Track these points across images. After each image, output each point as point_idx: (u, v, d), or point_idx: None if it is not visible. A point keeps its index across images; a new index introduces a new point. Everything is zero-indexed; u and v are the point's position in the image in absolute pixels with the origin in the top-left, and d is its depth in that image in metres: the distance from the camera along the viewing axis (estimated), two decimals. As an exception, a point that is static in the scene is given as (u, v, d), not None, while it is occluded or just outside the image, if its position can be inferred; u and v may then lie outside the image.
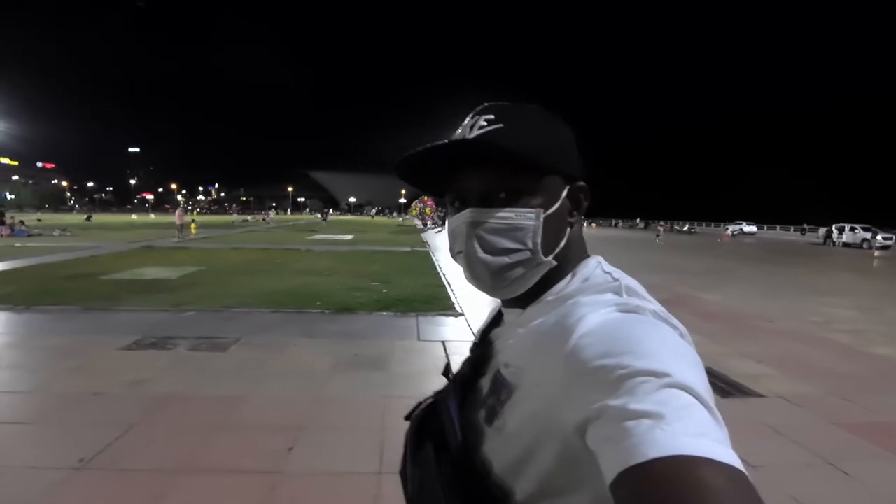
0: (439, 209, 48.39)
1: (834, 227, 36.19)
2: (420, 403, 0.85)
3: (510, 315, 0.77)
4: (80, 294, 8.90)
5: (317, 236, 30.60)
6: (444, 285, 10.84)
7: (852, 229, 34.48)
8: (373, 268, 13.91)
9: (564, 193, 0.71)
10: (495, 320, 0.83)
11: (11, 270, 12.07)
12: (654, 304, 0.63)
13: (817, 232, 42.54)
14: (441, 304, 8.64)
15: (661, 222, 63.06)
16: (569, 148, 0.73)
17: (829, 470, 3.46)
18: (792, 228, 61.22)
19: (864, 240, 33.06)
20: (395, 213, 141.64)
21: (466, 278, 0.73)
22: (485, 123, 0.69)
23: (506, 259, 0.68)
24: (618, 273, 0.70)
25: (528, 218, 0.67)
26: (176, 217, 27.43)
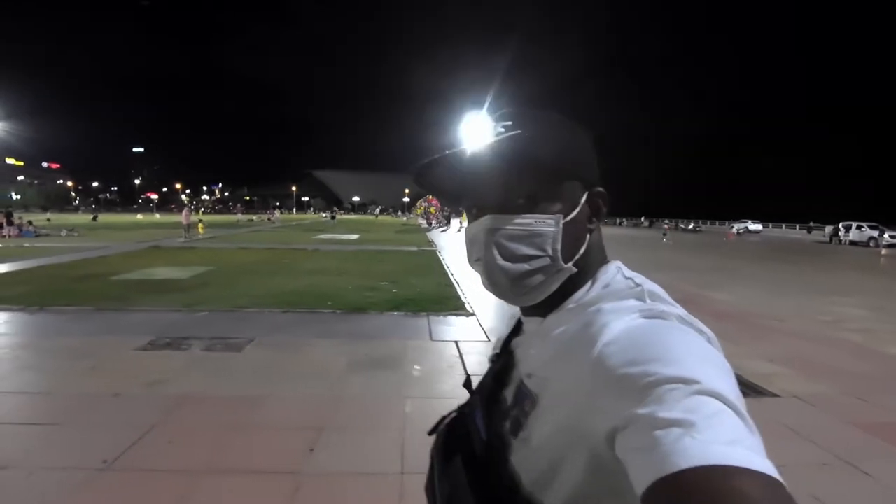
0: (444, 209, 48.36)
1: (841, 225, 36.02)
2: (444, 418, 0.85)
3: (530, 324, 0.76)
4: (92, 294, 8.96)
5: (323, 236, 30.67)
6: (453, 285, 10.86)
7: (859, 227, 34.30)
8: (381, 267, 13.93)
9: (584, 199, 0.70)
10: (515, 330, 0.82)
11: (23, 271, 12.14)
12: (678, 309, 0.62)
13: (823, 230, 42.37)
14: (451, 303, 8.66)
15: (666, 221, 62.95)
16: (587, 154, 0.73)
17: (849, 470, 3.46)
18: (797, 226, 60.96)
19: (871, 238, 32.87)
20: (398, 213, 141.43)
21: (485, 286, 0.73)
22: (503, 129, 0.69)
23: (525, 266, 0.67)
24: (639, 278, 0.69)
25: (547, 224, 0.67)
26: (182, 217, 27.49)
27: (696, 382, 0.47)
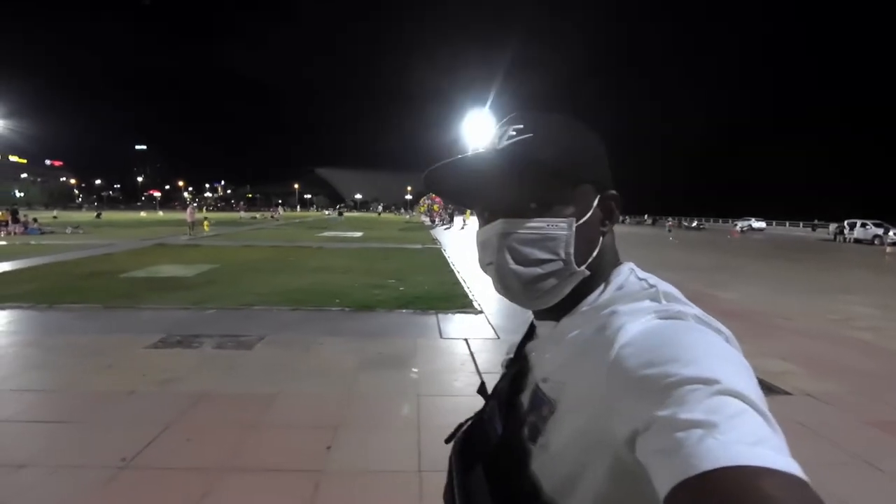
0: (447, 206, 48.33)
1: (846, 222, 35.94)
2: (461, 425, 0.84)
3: (544, 328, 0.76)
4: (100, 292, 8.98)
5: (327, 233, 30.72)
6: (459, 283, 10.86)
7: (863, 225, 34.22)
8: (387, 265, 13.94)
9: (596, 202, 0.70)
10: (528, 334, 0.82)
11: (30, 268, 12.17)
12: (695, 309, 0.61)
13: (828, 228, 42.27)
14: (459, 301, 8.66)
15: (670, 218, 62.80)
16: (599, 156, 0.72)
17: (866, 468, 3.46)
18: (801, 224, 60.84)
19: (876, 236, 32.80)
20: (401, 210, 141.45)
21: (497, 290, 0.72)
22: (514, 133, 0.69)
23: (538, 270, 0.67)
24: (653, 279, 0.68)
25: (560, 228, 0.66)
26: (187, 215, 27.58)
27: (717, 382, 0.47)
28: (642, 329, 0.57)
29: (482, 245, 0.73)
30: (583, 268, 0.68)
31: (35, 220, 28.07)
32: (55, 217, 45.41)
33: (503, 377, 0.81)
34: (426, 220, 58.98)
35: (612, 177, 0.74)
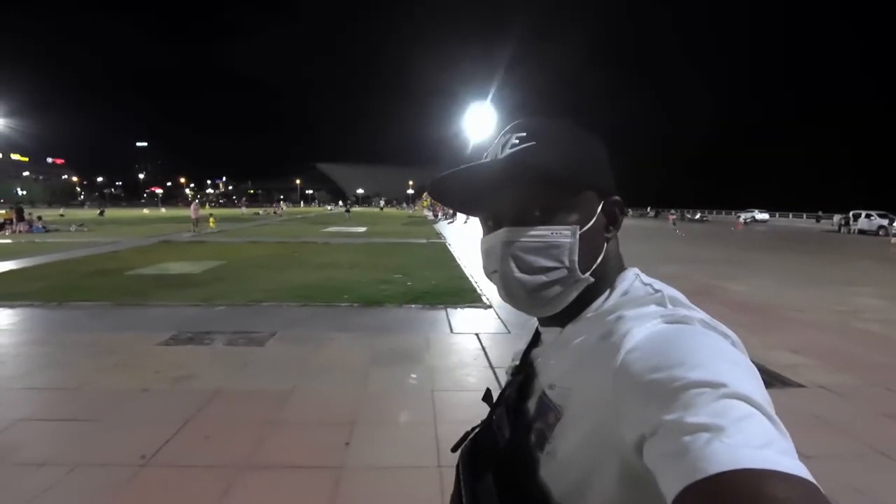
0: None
1: (851, 213, 35.84)
2: (468, 434, 0.84)
3: (549, 335, 0.76)
4: (108, 290, 9.00)
5: (331, 229, 30.77)
6: (466, 277, 10.86)
7: (868, 216, 34.14)
8: (392, 260, 13.95)
9: (599, 209, 0.70)
10: (533, 341, 0.82)
11: (37, 266, 12.19)
12: (700, 313, 0.61)
13: (832, 219, 42.15)
14: (468, 296, 8.65)
15: (672, 210, 62.68)
16: (602, 163, 0.72)
17: (883, 460, 3.45)
18: (805, 216, 60.67)
19: (881, 227, 32.72)
20: (404, 205, 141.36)
21: (502, 297, 0.73)
22: (517, 141, 0.69)
23: (543, 277, 0.67)
24: (658, 284, 0.68)
25: (564, 235, 0.67)
26: (191, 211, 27.55)
27: (724, 386, 0.47)
28: (648, 334, 0.57)
29: (486, 253, 0.73)
30: (587, 274, 0.68)
31: (39, 217, 28.04)
32: (62, 215, 45.65)
33: (509, 384, 0.80)
34: (429, 214, 58.98)
35: (614, 182, 0.74)
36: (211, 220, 31.46)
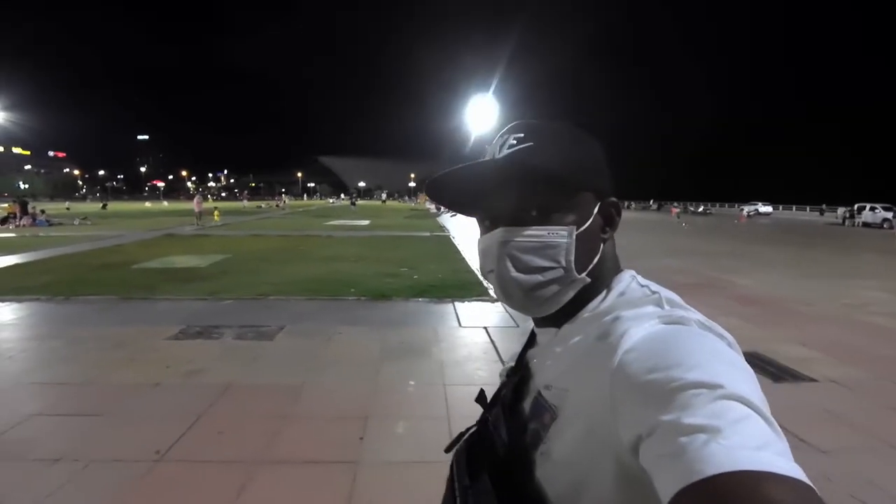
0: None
1: (856, 206, 35.74)
2: (462, 434, 0.84)
3: (544, 335, 0.75)
4: (115, 283, 9.01)
5: (334, 222, 30.77)
6: (472, 270, 10.83)
7: (873, 209, 34.05)
8: (397, 253, 13.94)
9: (596, 210, 0.70)
10: (529, 342, 0.82)
11: (43, 260, 12.21)
12: (697, 314, 0.61)
13: (836, 212, 42.05)
14: (475, 289, 8.63)
15: (675, 203, 62.58)
16: (599, 164, 0.72)
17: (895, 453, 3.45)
18: (808, 208, 60.46)
19: (885, 220, 32.63)
20: (406, 198, 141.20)
21: (498, 297, 0.73)
22: (514, 142, 0.69)
23: (539, 277, 0.67)
24: (655, 286, 0.68)
25: (560, 235, 0.67)
26: (194, 204, 27.58)
27: (721, 387, 0.46)
28: (645, 334, 0.57)
29: (483, 253, 0.73)
30: (583, 275, 0.68)
31: (43, 211, 28.06)
32: (67, 208, 46.04)
33: (505, 385, 0.80)
34: (431, 207, 58.87)
35: (612, 184, 0.74)
36: (215, 213, 31.52)
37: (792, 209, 62.96)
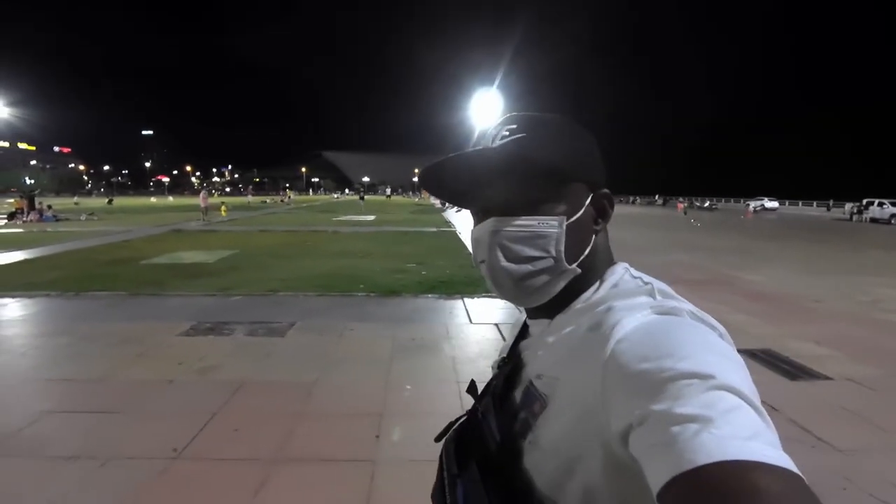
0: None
1: (864, 201, 35.54)
2: (451, 424, 0.84)
3: (536, 326, 0.76)
4: (124, 280, 9.03)
5: (339, 217, 30.79)
6: (480, 266, 10.78)
7: (880, 205, 33.84)
8: (405, 249, 13.93)
9: (588, 201, 0.70)
10: (521, 333, 0.81)
11: (52, 256, 12.24)
12: (689, 305, 0.61)
13: (843, 207, 41.83)
14: (484, 285, 8.51)
15: (681, 198, 62.33)
16: (592, 156, 0.72)
17: (922, 456, 3.41)
18: (815, 204, 60.17)
19: (893, 215, 32.43)
20: (410, 193, 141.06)
21: (490, 288, 0.73)
22: (507, 133, 0.69)
23: (529, 267, 0.68)
24: (647, 277, 0.69)
25: (550, 226, 0.67)
26: (200, 200, 27.61)
27: (712, 377, 0.47)
28: (637, 324, 0.57)
29: (475, 243, 0.73)
30: (574, 265, 0.68)
31: (50, 206, 28.14)
32: (76, 203, 46.32)
33: (497, 376, 0.79)
34: (436, 202, 58.84)
35: (605, 176, 0.74)
36: (222, 208, 31.56)
37: (798, 204, 62.71)
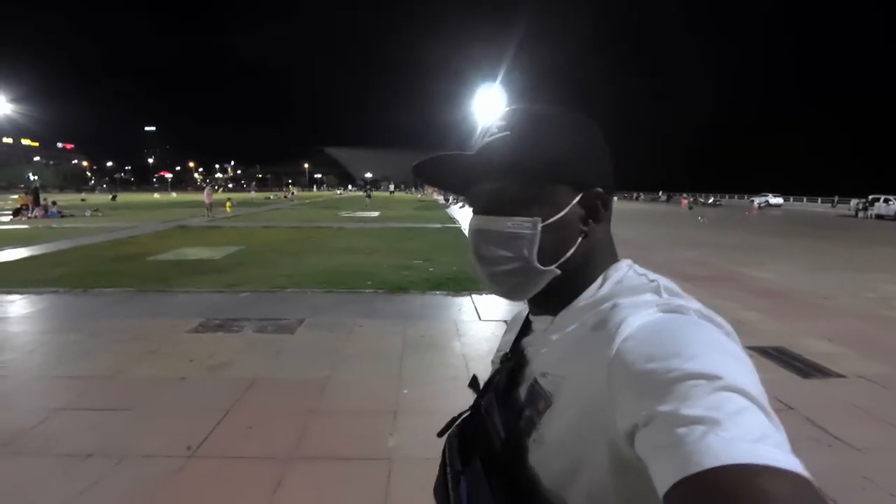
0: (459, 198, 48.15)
1: (869, 197, 35.39)
2: (454, 419, 0.84)
3: (540, 323, 0.75)
4: (131, 276, 9.05)
5: (343, 213, 30.80)
6: (486, 263, 10.76)
7: (886, 201, 33.69)
8: (410, 245, 13.91)
9: (576, 201, 0.68)
10: (524, 329, 0.81)
11: (58, 252, 12.24)
12: (695, 303, 0.60)
13: (848, 204, 41.68)
14: (491, 282, 8.56)
15: (685, 194, 62.17)
16: (582, 154, 0.70)
17: (940, 455, 3.39)
18: (820, 200, 59.95)
19: (899, 211, 32.28)
20: (413, 189, 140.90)
21: (480, 282, 0.75)
22: (496, 130, 0.70)
23: (501, 267, 0.68)
24: (652, 274, 0.68)
25: (524, 227, 0.67)
26: (205, 196, 27.65)
27: (720, 378, 0.46)
28: (644, 322, 0.56)
29: (468, 236, 0.75)
30: (552, 267, 0.68)
31: (54, 203, 28.17)
32: (83, 199, 46.62)
33: (499, 371, 0.79)
34: (440, 198, 58.83)
35: (607, 174, 0.72)
36: (228, 204, 31.60)
37: (803, 201, 62.47)
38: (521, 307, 0.83)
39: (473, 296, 7.61)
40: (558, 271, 0.68)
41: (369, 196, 51.28)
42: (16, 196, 28.13)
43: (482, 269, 0.71)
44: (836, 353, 5.34)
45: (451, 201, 46.22)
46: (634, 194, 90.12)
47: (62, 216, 25.21)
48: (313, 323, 6.14)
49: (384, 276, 9.10)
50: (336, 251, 12.62)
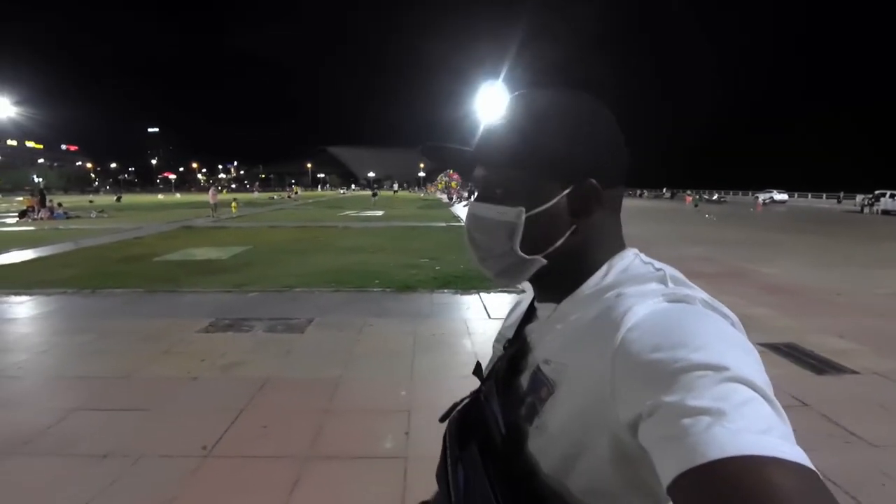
0: (466, 183, 48.15)
1: (875, 193, 35.25)
2: (456, 405, 0.85)
3: (544, 310, 0.74)
4: (139, 276, 9.06)
5: (348, 212, 30.84)
6: (493, 261, 10.75)
7: (892, 196, 33.55)
8: (416, 244, 13.90)
9: (564, 193, 0.67)
10: (527, 316, 0.80)
11: (65, 254, 12.27)
12: (701, 293, 0.60)
13: (854, 199, 41.51)
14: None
15: (689, 191, 61.99)
16: (578, 145, 0.68)
17: (960, 451, 3.36)
18: (825, 196, 59.72)
19: (905, 207, 32.16)
20: (416, 188, 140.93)
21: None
22: (497, 118, 0.71)
23: (489, 252, 0.71)
24: (658, 263, 0.67)
25: (507, 216, 0.67)
26: (209, 196, 27.72)
27: (726, 369, 0.46)
28: (649, 312, 0.56)
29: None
30: (538, 256, 0.68)
31: (60, 204, 28.27)
32: (91, 201, 47.06)
33: (501, 357, 0.79)
34: (443, 197, 58.81)
35: (609, 164, 0.70)
36: (233, 204, 31.66)
37: (808, 196, 62.23)
38: (527, 293, 0.84)
39: (482, 294, 7.60)
40: (545, 261, 0.68)
41: (375, 195, 51.43)
42: (21, 198, 28.20)
43: (473, 252, 0.73)
44: (848, 350, 5.31)
45: (454, 200, 46.23)
46: (638, 191, 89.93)
47: (68, 217, 25.27)
48: (323, 322, 6.14)
49: (391, 274, 9.10)
50: (342, 250, 12.63)
